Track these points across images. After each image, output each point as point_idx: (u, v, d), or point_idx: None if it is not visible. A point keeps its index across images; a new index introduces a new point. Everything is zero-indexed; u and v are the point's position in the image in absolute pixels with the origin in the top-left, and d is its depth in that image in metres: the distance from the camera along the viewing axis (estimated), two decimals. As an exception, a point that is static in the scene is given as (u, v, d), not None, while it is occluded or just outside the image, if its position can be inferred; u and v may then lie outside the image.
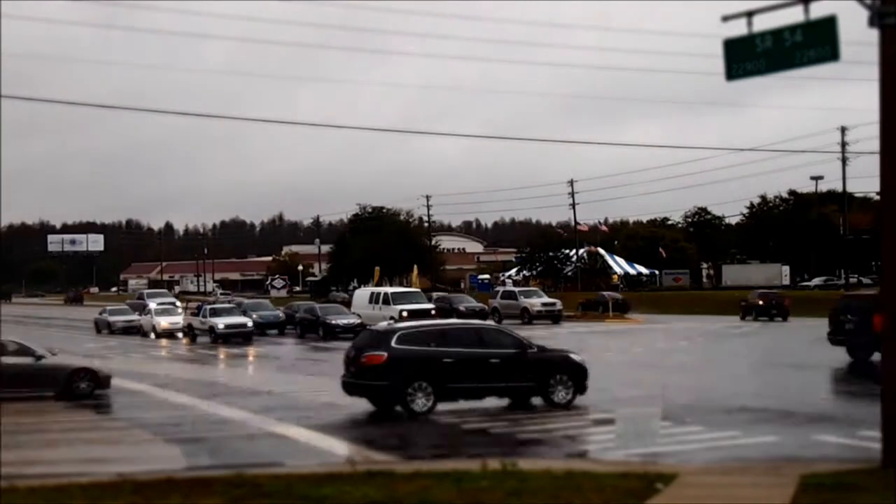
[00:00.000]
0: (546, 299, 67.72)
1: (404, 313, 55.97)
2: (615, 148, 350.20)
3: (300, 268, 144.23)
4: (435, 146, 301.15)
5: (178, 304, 63.26)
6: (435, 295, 71.20)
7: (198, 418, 23.09)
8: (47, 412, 24.93)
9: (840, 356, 33.49)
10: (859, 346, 31.43)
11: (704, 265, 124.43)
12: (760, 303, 66.28)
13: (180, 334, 57.71)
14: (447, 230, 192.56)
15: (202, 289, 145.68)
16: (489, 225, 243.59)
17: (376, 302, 58.77)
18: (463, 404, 22.62)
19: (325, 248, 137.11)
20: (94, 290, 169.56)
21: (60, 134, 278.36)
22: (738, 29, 14.97)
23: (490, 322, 33.37)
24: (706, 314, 70.53)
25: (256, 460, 16.82)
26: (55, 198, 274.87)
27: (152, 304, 57.70)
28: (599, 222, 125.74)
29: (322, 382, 30.95)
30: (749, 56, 14.97)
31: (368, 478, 13.94)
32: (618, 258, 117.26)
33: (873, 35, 14.40)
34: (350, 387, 23.26)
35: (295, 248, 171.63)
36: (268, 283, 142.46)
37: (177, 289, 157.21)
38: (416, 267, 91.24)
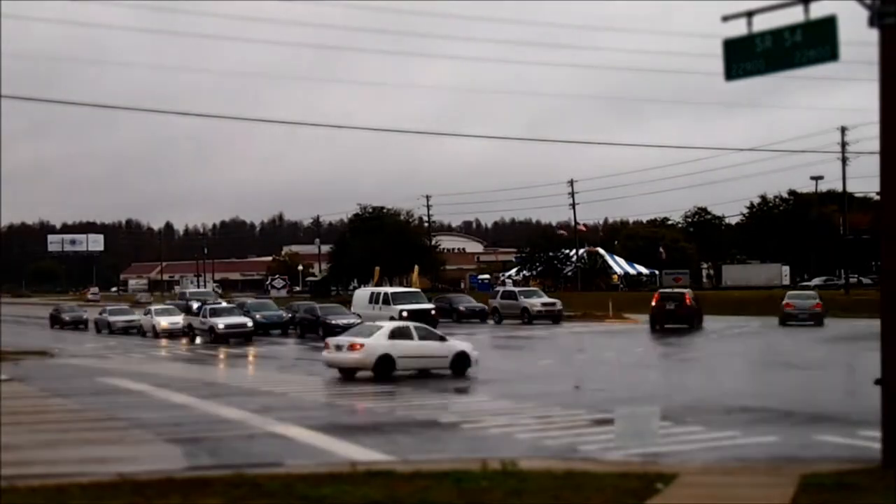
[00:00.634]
0: (546, 299, 67.69)
1: (404, 313, 55.99)
2: (622, 148, 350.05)
3: (300, 268, 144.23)
4: (447, 148, 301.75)
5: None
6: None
7: (198, 418, 23.09)
8: (47, 412, 24.94)
9: (839, 356, 33.57)
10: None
11: (704, 265, 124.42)
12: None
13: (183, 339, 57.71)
14: (447, 230, 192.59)
15: (202, 289, 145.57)
16: (489, 225, 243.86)
17: (376, 302, 58.76)
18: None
19: (325, 248, 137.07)
20: (95, 289, 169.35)
21: (74, 134, 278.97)
22: (738, 29, 14.98)
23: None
24: (706, 314, 70.45)
25: (256, 460, 16.81)
26: (68, 197, 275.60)
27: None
28: (598, 224, 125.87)
29: (322, 382, 30.99)
30: (749, 56, 14.97)
31: (368, 478, 13.94)
32: (618, 258, 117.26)
33: (873, 35, 14.40)
34: None
35: (295, 248, 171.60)
36: (268, 283, 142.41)
37: (177, 289, 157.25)
38: (416, 267, 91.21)
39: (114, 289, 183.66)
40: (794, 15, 14.52)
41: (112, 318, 65.93)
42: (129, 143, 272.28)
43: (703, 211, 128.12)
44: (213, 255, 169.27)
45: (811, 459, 15.81)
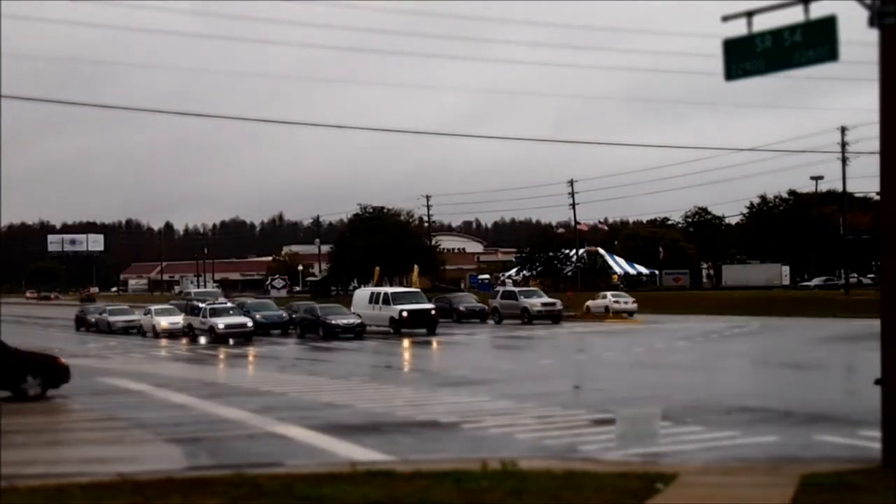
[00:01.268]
0: (546, 299, 67.72)
1: (404, 313, 55.99)
2: (623, 148, 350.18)
3: (300, 268, 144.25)
4: (461, 147, 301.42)
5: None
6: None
7: (198, 418, 23.08)
8: (47, 412, 24.94)
9: (839, 356, 33.56)
10: None
11: (704, 265, 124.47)
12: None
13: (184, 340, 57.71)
14: (447, 230, 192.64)
15: (207, 289, 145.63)
16: (489, 225, 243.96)
17: (376, 302, 58.74)
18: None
19: (325, 248, 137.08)
20: (95, 289, 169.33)
21: (76, 135, 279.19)
22: (738, 29, 14.98)
23: None
24: (706, 314, 70.57)
25: (256, 460, 16.81)
26: (75, 197, 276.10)
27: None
28: (599, 221, 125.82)
29: (322, 382, 30.99)
30: (748, 56, 14.96)
31: (368, 478, 13.94)
32: (618, 258, 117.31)
33: (873, 35, 14.40)
34: None
35: (295, 248, 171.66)
36: (268, 283, 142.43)
37: (177, 289, 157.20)
38: (416, 267, 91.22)
39: (114, 289, 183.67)
40: (795, 15, 14.53)
41: (112, 318, 65.96)
42: (130, 144, 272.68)
43: (703, 211, 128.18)
44: (213, 255, 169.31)
45: (811, 459, 15.80)
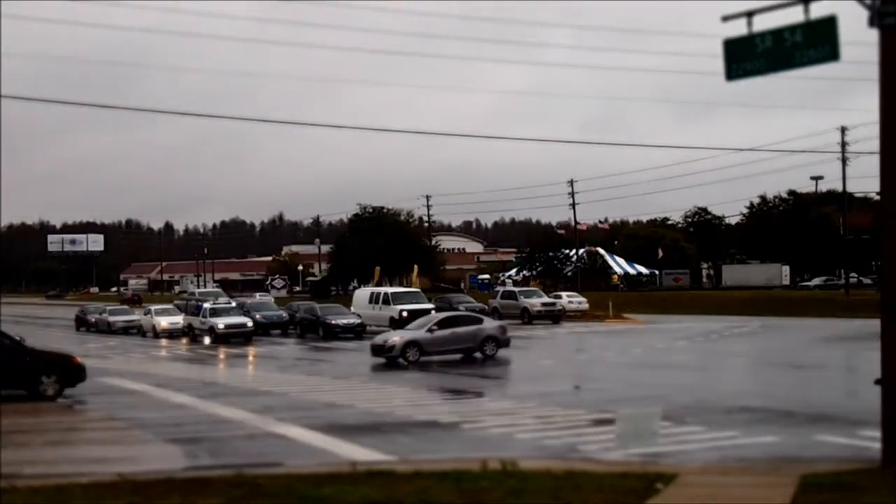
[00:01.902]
0: (546, 299, 67.71)
1: (404, 313, 55.97)
2: (625, 149, 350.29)
3: (300, 268, 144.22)
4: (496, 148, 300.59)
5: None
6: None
7: (198, 418, 23.08)
8: (47, 412, 24.94)
9: (839, 356, 33.54)
10: None
11: (704, 265, 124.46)
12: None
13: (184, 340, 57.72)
14: (447, 230, 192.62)
15: (209, 289, 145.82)
16: (489, 225, 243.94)
17: (376, 302, 58.72)
18: None
19: (325, 248, 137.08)
20: (94, 290, 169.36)
21: (78, 135, 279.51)
22: (739, 29, 14.97)
23: None
24: (706, 314, 70.55)
25: (256, 460, 16.81)
26: (85, 196, 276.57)
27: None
28: (600, 221, 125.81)
29: (322, 382, 30.98)
30: (749, 56, 14.95)
31: (368, 478, 13.93)
32: (618, 258, 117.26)
33: (873, 35, 14.40)
34: None
35: (295, 248, 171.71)
36: (268, 283, 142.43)
37: (177, 289, 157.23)
38: (416, 267, 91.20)
39: (114, 289, 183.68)
40: (795, 15, 14.52)
41: (112, 318, 65.95)
42: (132, 144, 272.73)
43: (703, 211, 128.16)
44: (213, 255, 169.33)
45: (811, 459, 15.80)
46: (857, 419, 19.67)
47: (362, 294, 63.40)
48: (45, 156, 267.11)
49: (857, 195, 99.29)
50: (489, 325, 40.57)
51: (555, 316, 64.91)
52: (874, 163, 15.13)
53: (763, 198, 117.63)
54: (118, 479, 14.38)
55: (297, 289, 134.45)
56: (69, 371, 27.79)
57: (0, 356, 27.05)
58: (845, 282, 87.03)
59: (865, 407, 18.94)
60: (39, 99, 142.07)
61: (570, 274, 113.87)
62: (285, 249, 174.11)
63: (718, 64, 15.19)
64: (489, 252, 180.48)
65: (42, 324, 78.76)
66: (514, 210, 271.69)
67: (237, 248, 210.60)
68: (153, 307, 65.84)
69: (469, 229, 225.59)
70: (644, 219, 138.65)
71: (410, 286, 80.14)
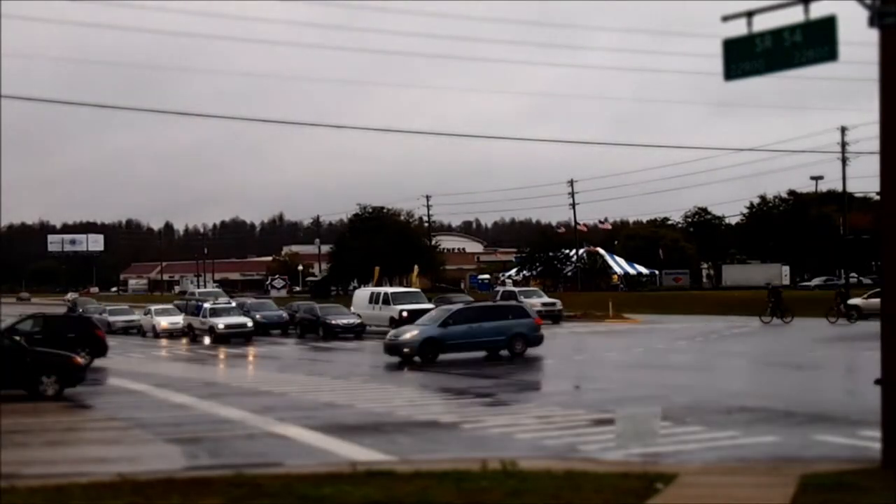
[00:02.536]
0: (546, 299, 67.70)
1: (404, 313, 55.97)
2: (627, 149, 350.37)
3: (300, 268, 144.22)
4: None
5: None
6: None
7: (198, 418, 23.08)
8: (47, 412, 24.94)
9: (839, 356, 33.48)
10: None
11: (704, 265, 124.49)
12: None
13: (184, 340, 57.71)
14: (447, 230, 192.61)
15: (209, 289, 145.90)
16: (489, 225, 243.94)
17: (376, 302, 58.73)
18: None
19: (325, 248, 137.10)
20: (94, 290, 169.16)
21: (79, 136, 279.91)
22: (738, 29, 14.97)
23: None
24: (706, 314, 70.54)
25: (256, 460, 16.81)
26: (87, 197, 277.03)
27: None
28: (600, 221, 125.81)
29: (322, 382, 30.99)
30: (748, 56, 14.95)
31: (368, 478, 13.93)
32: (618, 258, 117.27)
33: (873, 35, 14.40)
34: None
35: (295, 248, 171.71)
36: (268, 283, 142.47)
37: (177, 289, 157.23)
38: (416, 267, 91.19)
39: (114, 289, 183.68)
40: (795, 15, 14.52)
41: (112, 318, 65.96)
42: (133, 144, 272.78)
43: (703, 211, 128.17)
44: (213, 255, 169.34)
45: (811, 459, 15.79)
46: (857, 419, 19.67)
47: (362, 294, 63.42)
48: (50, 158, 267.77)
49: (857, 195, 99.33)
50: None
51: (555, 316, 64.89)
52: (874, 163, 15.14)
53: (763, 198, 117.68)
54: (118, 479, 14.37)
55: (297, 289, 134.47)
56: (69, 371, 27.80)
57: (0, 356, 27.07)
58: (845, 282, 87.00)
59: (865, 407, 18.94)
60: (39, 99, 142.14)
61: (570, 274, 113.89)
62: (285, 249, 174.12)
63: (718, 64, 15.19)
64: (489, 252, 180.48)
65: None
66: (514, 210, 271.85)
67: (237, 248, 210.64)
68: (153, 307, 65.82)
69: (469, 229, 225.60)
70: (644, 219, 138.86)
71: (410, 286, 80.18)
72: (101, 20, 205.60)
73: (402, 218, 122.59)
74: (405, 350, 36.41)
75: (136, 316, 66.24)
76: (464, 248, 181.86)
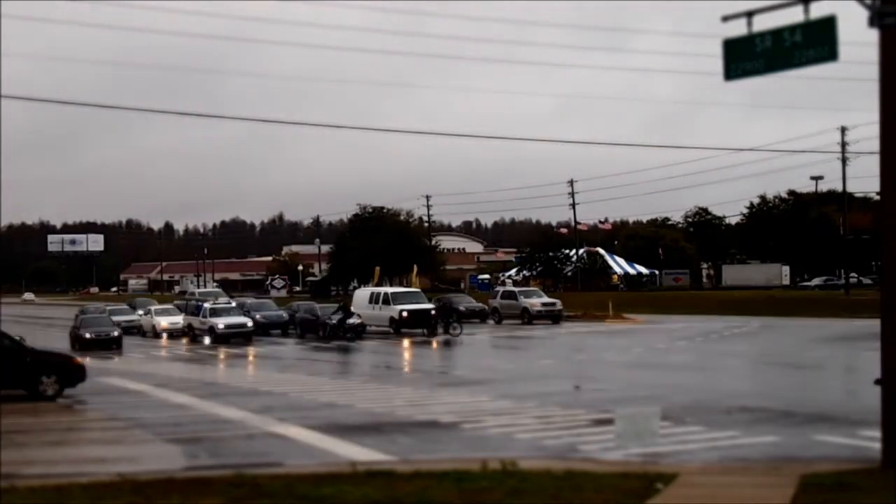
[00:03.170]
0: (546, 299, 67.68)
1: (404, 313, 55.96)
2: (629, 149, 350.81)
3: (300, 268, 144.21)
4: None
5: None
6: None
7: (198, 418, 23.09)
8: (47, 412, 24.95)
9: (839, 356, 33.47)
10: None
11: (704, 265, 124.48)
12: None
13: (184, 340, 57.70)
14: (447, 230, 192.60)
15: (209, 289, 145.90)
16: (489, 225, 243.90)
17: (376, 302, 58.69)
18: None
19: (325, 248, 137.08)
20: (94, 290, 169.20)
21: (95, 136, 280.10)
22: (738, 29, 14.97)
23: None
24: (706, 314, 70.55)
25: (256, 460, 16.82)
26: (87, 197, 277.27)
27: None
28: (600, 221, 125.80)
29: (322, 382, 30.99)
30: (748, 56, 14.95)
31: (368, 478, 13.93)
32: (618, 258, 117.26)
33: (873, 35, 14.40)
34: None
35: (295, 248, 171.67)
36: (268, 283, 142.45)
37: (177, 289, 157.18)
38: (416, 267, 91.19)
39: (114, 289, 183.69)
40: (795, 15, 14.52)
41: (112, 318, 65.84)
42: (134, 144, 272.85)
43: (703, 211, 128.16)
44: (213, 255, 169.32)
45: (811, 459, 15.80)
46: (857, 419, 19.67)
47: (362, 294, 63.39)
48: (54, 160, 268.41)
49: (857, 195, 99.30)
50: None
51: (555, 316, 64.89)
52: (874, 163, 15.13)
53: (763, 198, 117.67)
54: (118, 479, 14.38)
55: (297, 289, 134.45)
56: (69, 371, 27.81)
57: (0, 356, 27.08)
58: (845, 282, 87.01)
59: (865, 407, 18.94)
60: (39, 99, 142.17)
61: (570, 274, 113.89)
62: (285, 249, 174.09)
63: (718, 64, 15.20)
64: (489, 252, 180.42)
65: (43, 324, 78.77)
66: (514, 210, 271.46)
67: (237, 248, 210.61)
68: (153, 307, 65.79)
69: (469, 229, 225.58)
70: (644, 219, 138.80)
71: (410, 286, 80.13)
72: (102, 20, 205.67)
73: (401, 218, 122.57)
74: None
75: (136, 316, 66.20)
76: (464, 248, 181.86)
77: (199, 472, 15.42)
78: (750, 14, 14.86)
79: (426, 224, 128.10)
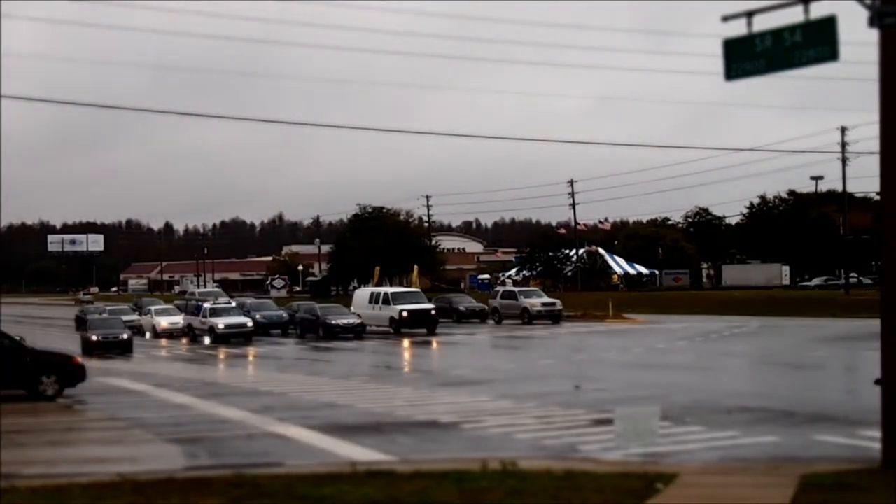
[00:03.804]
0: (546, 299, 67.67)
1: (404, 313, 55.97)
2: (629, 149, 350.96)
3: (300, 268, 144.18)
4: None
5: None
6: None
7: (198, 418, 23.09)
8: (47, 412, 24.95)
9: (839, 356, 33.45)
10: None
11: (704, 265, 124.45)
12: None
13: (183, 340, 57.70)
14: (447, 230, 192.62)
15: (209, 289, 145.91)
16: (489, 225, 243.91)
17: (376, 302, 58.72)
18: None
19: (325, 248, 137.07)
20: (94, 289, 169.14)
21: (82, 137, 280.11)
22: (739, 29, 14.96)
23: None
24: (706, 314, 70.55)
25: (256, 460, 16.82)
26: (85, 197, 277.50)
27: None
28: (600, 221, 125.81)
29: (322, 382, 30.99)
30: (748, 56, 14.95)
31: (368, 478, 13.93)
32: (618, 258, 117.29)
33: (873, 35, 14.40)
34: None
35: (295, 248, 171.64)
36: (268, 283, 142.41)
37: (177, 289, 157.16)
38: (416, 267, 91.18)
39: (114, 289, 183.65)
40: (795, 15, 14.52)
41: (122, 319, 65.79)
42: (135, 144, 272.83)
43: (703, 211, 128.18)
44: (213, 255, 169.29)
45: (811, 459, 15.80)
46: (857, 419, 19.67)
47: (362, 294, 63.41)
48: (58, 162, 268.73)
49: (857, 195, 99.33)
50: None
51: (555, 316, 64.88)
52: (874, 163, 15.13)
53: (763, 198, 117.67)
54: (118, 479, 14.38)
55: (297, 289, 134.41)
56: (69, 371, 27.82)
57: (0, 356, 27.09)
58: (845, 282, 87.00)
59: (865, 407, 18.94)
60: (38, 99, 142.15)
61: (570, 274, 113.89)
62: (285, 249, 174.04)
63: (718, 64, 15.20)
64: (489, 252, 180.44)
65: (42, 324, 78.78)
66: (514, 210, 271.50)
67: (237, 248, 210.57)
68: (153, 307, 65.78)
69: (469, 229, 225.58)
70: (644, 219, 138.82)
71: (410, 286, 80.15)
72: (101, 20, 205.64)
73: (402, 218, 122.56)
74: None
75: (136, 316, 66.19)
76: (464, 248, 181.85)
77: (199, 472, 15.42)
78: (750, 14, 14.86)
79: (426, 224, 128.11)
